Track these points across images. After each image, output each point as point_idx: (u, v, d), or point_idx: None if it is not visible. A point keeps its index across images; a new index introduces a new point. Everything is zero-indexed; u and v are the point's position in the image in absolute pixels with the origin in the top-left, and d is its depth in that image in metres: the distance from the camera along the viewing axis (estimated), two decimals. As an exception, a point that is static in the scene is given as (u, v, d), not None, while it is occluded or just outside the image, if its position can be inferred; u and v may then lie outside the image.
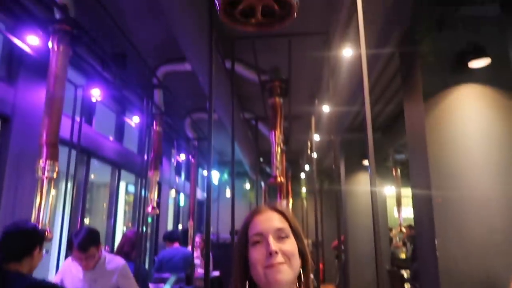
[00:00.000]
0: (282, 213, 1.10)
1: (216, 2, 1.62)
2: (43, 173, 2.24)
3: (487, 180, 2.86)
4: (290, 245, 1.05)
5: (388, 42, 3.51)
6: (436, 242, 2.79)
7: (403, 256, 7.15)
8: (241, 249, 1.08)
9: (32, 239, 2.01)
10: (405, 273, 5.49)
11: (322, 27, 3.92)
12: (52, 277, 4.00)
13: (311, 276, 1.12)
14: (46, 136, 2.34)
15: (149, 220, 7.07)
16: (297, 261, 1.05)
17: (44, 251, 2.11)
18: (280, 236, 1.05)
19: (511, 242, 2.73)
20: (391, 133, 6.82)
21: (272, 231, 1.05)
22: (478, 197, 2.83)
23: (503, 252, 2.71)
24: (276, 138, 3.65)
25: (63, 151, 3.69)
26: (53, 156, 2.30)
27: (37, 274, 2.23)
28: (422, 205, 3.07)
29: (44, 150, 2.29)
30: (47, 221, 2.23)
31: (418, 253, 3.42)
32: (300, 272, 1.08)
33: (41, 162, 2.25)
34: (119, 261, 2.84)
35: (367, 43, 2.09)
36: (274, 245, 1.02)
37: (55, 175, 2.29)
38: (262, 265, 1.02)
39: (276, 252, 1.01)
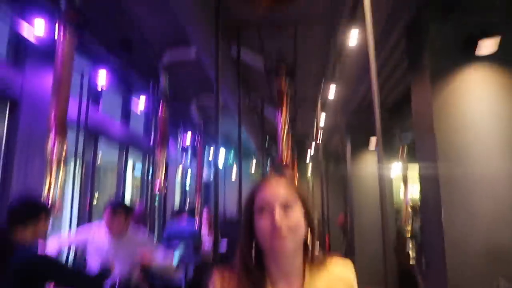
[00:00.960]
0: (289, 183, 1.12)
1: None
2: (52, 154, 2.28)
3: (494, 157, 2.86)
4: (295, 216, 1.07)
5: (396, 24, 3.46)
6: (442, 215, 2.81)
7: (409, 233, 7.22)
8: (247, 216, 1.11)
9: (37, 206, 2.12)
10: (411, 251, 5.55)
11: (327, 10, 3.86)
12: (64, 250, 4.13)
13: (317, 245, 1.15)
14: (54, 117, 2.36)
15: (156, 198, 7.19)
16: (301, 231, 1.08)
17: (49, 225, 2.19)
18: (286, 206, 1.07)
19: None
20: (398, 114, 6.77)
21: (278, 201, 1.07)
22: (484, 173, 2.84)
23: (509, 224, 2.73)
24: (283, 121, 3.64)
25: (71, 133, 3.74)
26: (61, 137, 2.33)
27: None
28: (428, 181, 3.09)
29: (53, 131, 2.33)
30: (57, 199, 2.27)
31: (424, 227, 3.45)
32: (306, 238, 1.11)
33: (50, 143, 2.29)
34: (143, 233, 3.22)
35: (374, 26, 2.08)
36: (279, 219, 1.05)
37: (64, 156, 2.32)
38: (267, 234, 1.05)
39: (281, 224, 1.04)
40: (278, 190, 1.09)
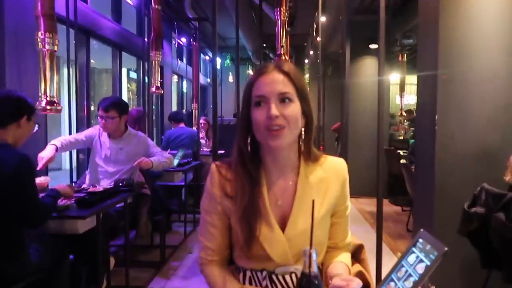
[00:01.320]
0: (288, 75, 1.08)
1: None
2: (43, 46, 2.20)
3: (496, 58, 2.80)
4: (293, 109, 1.06)
5: None
6: (436, 117, 2.85)
7: (401, 137, 7.46)
8: (244, 108, 1.10)
9: (19, 106, 1.93)
10: (401, 152, 5.77)
11: None
12: (65, 154, 4.23)
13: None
14: (41, 7, 2.23)
15: (154, 107, 7.19)
16: (298, 124, 1.08)
17: (36, 126, 2.07)
18: (283, 99, 1.05)
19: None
20: (401, 15, 6.49)
21: (275, 94, 1.05)
22: (484, 74, 2.80)
23: (503, 128, 2.78)
24: (281, 16, 3.47)
25: (61, 32, 3.57)
26: (51, 28, 2.23)
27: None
28: (427, 83, 3.07)
29: (41, 22, 2.21)
30: (54, 94, 2.25)
31: (417, 129, 3.53)
32: (301, 132, 1.11)
33: (40, 34, 2.19)
34: (141, 134, 3.31)
35: None
36: (275, 109, 1.03)
37: (56, 48, 2.25)
38: (263, 126, 1.04)
39: (277, 116, 1.03)
40: (276, 85, 1.06)
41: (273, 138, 1.04)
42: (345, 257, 1.20)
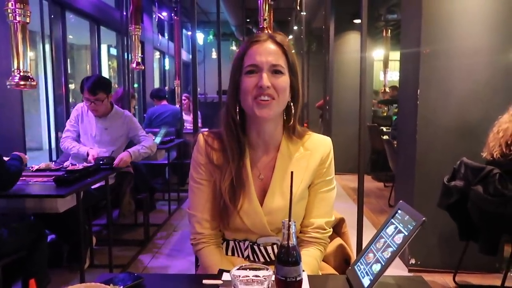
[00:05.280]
0: (281, 46, 1.07)
1: None
2: (14, 18, 2.09)
3: (478, 34, 2.80)
4: (283, 80, 1.05)
5: None
6: (418, 92, 2.86)
7: (384, 114, 7.52)
8: (234, 76, 1.08)
9: None
10: (384, 128, 5.82)
11: None
12: (43, 133, 4.13)
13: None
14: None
15: (135, 85, 7.04)
16: (286, 96, 1.07)
17: None
18: (275, 71, 1.05)
19: (492, 93, 2.80)
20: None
21: (267, 65, 1.04)
22: (466, 49, 2.81)
23: (484, 103, 2.81)
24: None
25: (34, 5, 3.40)
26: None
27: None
28: (409, 58, 3.07)
29: (10, -7, 2.09)
30: (28, 69, 2.16)
31: (400, 104, 3.54)
32: (289, 105, 1.11)
33: (10, 5, 2.08)
34: (127, 113, 3.24)
35: None
36: (267, 80, 1.02)
37: (28, 20, 2.13)
38: (251, 95, 1.03)
39: (268, 87, 1.02)
40: (269, 56, 1.05)
41: (261, 108, 1.03)
42: (305, 255, 1.08)
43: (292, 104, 1.11)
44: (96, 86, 2.91)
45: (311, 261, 1.09)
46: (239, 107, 1.09)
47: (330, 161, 1.15)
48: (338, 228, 1.33)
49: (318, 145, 1.15)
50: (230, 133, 1.09)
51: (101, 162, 2.78)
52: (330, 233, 1.16)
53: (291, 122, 1.12)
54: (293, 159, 1.12)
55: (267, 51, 1.05)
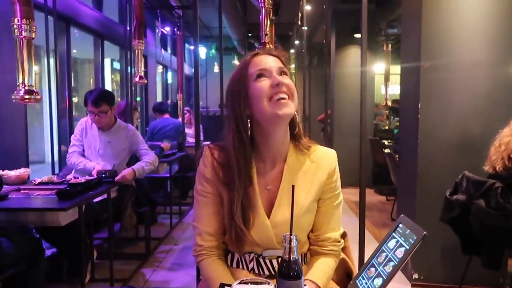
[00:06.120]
0: (279, 58, 1.11)
1: None
2: (20, 33, 2.12)
3: (477, 48, 2.83)
4: (292, 82, 1.08)
5: None
6: (419, 105, 2.88)
7: (386, 127, 7.52)
8: (240, 87, 1.07)
9: None
10: (386, 142, 5.81)
11: None
12: (46, 147, 4.15)
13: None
14: (17, -7, 2.14)
15: (138, 98, 7.09)
16: (296, 99, 1.08)
17: None
18: (282, 73, 1.08)
19: (493, 107, 2.82)
20: (385, 5, 6.50)
21: (275, 68, 1.07)
22: (466, 63, 2.83)
23: (484, 117, 2.82)
24: (265, 3, 3.44)
25: (40, 20, 3.46)
26: (27, 15, 2.15)
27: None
28: (410, 72, 3.09)
29: (17, 7, 2.13)
30: (33, 83, 2.18)
31: (401, 118, 3.56)
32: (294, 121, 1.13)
33: (16, 21, 2.11)
34: (131, 127, 3.27)
35: None
36: (280, 77, 1.05)
37: (33, 35, 2.17)
38: (267, 96, 1.04)
39: (283, 84, 1.04)
40: (274, 62, 1.09)
41: (281, 106, 1.02)
42: (322, 264, 1.13)
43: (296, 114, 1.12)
44: (99, 98, 2.94)
45: (328, 271, 1.13)
46: (249, 119, 1.07)
47: (337, 175, 1.17)
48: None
49: (324, 158, 1.16)
50: (239, 147, 1.07)
51: (103, 175, 2.79)
52: (343, 244, 1.20)
53: (296, 130, 1.14)
54: (300, 171, 1.12)
55: (271, 59, 1.09)
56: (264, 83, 1.05)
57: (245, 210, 1.06)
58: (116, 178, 2.83)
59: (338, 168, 1.17)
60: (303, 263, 1.17)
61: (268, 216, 1.08)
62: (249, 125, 1.07)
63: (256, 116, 1.07)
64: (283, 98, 1.03)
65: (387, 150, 4.94)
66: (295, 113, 1.08)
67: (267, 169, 1.13)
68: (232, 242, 1.11)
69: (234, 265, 1.14)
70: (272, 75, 1.05)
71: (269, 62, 1.08)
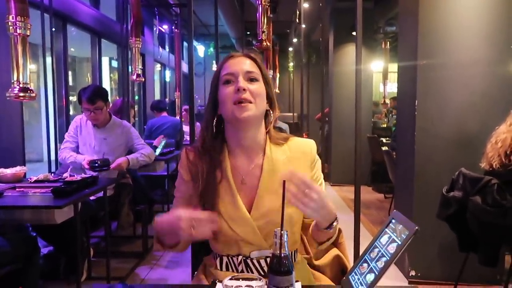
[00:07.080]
0: (254, 60, 1.16)
1: None
2: (15, 30, 2.11)
3: (474, 45, 2.83)
4: (259, 86, 1.12)
5: None
6: (416, 103, 2.87)
7: (384, 125, 7.52)
8: (213, 89, 1.16)
9: None
10: (384, 139, 5.81)
11: None
12: (44, 145, 4.14)
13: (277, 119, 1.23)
14: (11, -11, 2.13)
15: (136, 97, 7.08)
16: (263, 102, 1.13)
17: None
18: (250, 78, 1.12)
19: (489, 104, 2.81)
20: (384, 3, 6.50)
21: (242, 72, 1.11)
22: (463, 61, 2.83)
23: (481, 114, 2.82)
24: (262, 1, 3.42)
25: (36, 18, 3.44)
26: (22, 12, 2.13)
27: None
28: (407, 69, 3.09)
29: (12, 4, 2.12)
30: (28, 80, 2.17)
31: (398, 115, 3.56)
32: (267, 113, 1.17)
33: (11, 18, 2.10)
34: (126, 123, 3.27)
35: None
36: (243, 82, 1.09)
37: (28, 32, 2.15)
38: (230, 100, 1.09)
39: (244, 89, 1.08)
40: (243, 65, 1.13)
41: (240, 110, 1.07)
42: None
43: (271, 112, 1.18)
44: (94, 95, 2.94)
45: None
46: (217, 120, 1.16)
47: (318, 164, 1.21)
48: (335, 239, 1.32)
49: (304, 148, 1.20)
50: (204, 144, 1.15)
51: (95, 164, 2.79)
52: (339, 241, 1.24)
53: (267, 129, 1.18)
54: (280, 162, 1.14)
55: (242, 62, 1.14)
56: (229, 89, 1.10)
57: (208, 198, 1.10)
58: (112, 166, 2.85)
59: (318, 157, 1.22)
60: (293, 260, 1.17)
61: (250, 210, 1.10)
62: (214, 124, 1.15)
63: (224, 117, 1.14)
64: (243, 103, 1.07)
65: (385, 148, 4.95)
66: (260, 114, 1.12)
67: (242, 165, 1.16)
68: (217, 242, 1.13)
69: (224, 268, 1.15)
70: (237, 80, 1.10)
71: (239, 65, 1.12)
